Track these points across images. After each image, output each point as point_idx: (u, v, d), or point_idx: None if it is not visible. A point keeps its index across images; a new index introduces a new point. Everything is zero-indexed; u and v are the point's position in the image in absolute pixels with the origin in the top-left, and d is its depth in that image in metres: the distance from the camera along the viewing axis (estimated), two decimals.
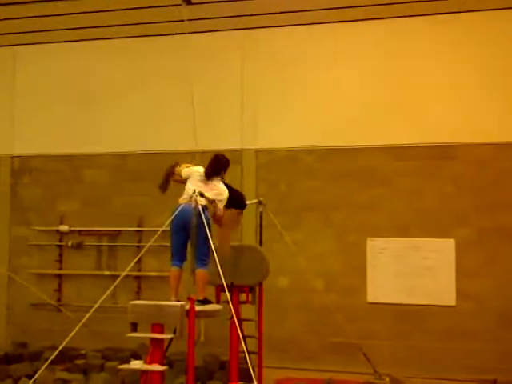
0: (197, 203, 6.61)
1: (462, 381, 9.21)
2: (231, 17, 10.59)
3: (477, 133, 9.93)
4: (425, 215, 10.08)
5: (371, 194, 10.29)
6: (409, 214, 10.14)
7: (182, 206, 6.80)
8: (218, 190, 7.05)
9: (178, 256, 7.07)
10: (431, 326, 9.88)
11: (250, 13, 10.48)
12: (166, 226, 6.86)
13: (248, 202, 8.41)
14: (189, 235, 6.84)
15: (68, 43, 11.75)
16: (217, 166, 7.24)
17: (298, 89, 10.70)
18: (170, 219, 6.82)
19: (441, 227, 10.01)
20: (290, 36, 10.82)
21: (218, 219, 7.12)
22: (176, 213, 6.77)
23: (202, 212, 6.60)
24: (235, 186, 7.79)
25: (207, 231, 6.60)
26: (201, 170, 7.25)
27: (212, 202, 7.00)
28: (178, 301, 6.78)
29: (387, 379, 8.85)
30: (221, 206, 7.06)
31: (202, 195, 6.76)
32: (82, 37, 11.54)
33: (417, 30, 10.29)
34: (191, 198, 6.69)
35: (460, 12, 10.02)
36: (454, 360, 9.67)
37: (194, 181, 7.12)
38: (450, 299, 9.88)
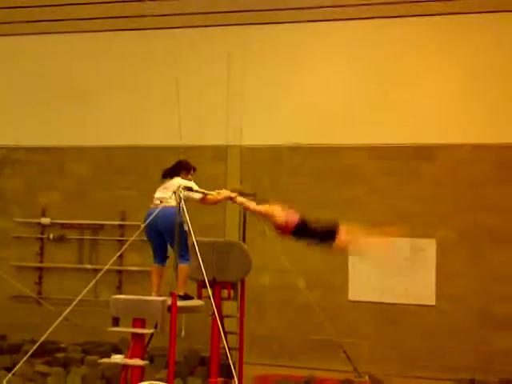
0: (180, 199, 6.62)
1: (441, 380, 9.28)
2: (218, 13, 10.59)
3: (457, 134, 10.02)
4: (406, 215, 10.12)
5: (353, 192, 10.34)
6: (390, 213, 10.19)
7: (152, 211, 6.81)
8: (170, 187, 6.97)
9: (159, 255, 7.12)
10: (411, 325, 9.96)
11: (236, 9, 10.48)
12: (143, 227, 6.89)
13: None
14: (162, 236, 6.91)
15: (53, 35, 11.66)
16: (175, 166, 7.22)
17: (283, 87, 10.73)
18: (144, 224, 6.84)
19: (422, 227, 10.07)
20: (276, 34, 10.84)
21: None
22: (150, 217, 6.77)
23: (184, 207, 6.62)
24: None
25: (186, 226, 6.65)
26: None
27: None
28: (160, 296, 6.80)
29: (367, 377, 8.89)
30: (195, 195, 7.06)
31: (190, 189, 6.79)
32: (68, 29, 11.47)
33: (400, 31, 10.34)
34: (174, 193, 6.70)
35: (444, 14, 10.10)
36: (433, 359, 9.76)
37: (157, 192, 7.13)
38: (429, 299, 9.97)
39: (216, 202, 7.36)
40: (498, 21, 9.99)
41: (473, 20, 10.05)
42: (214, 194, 7.23)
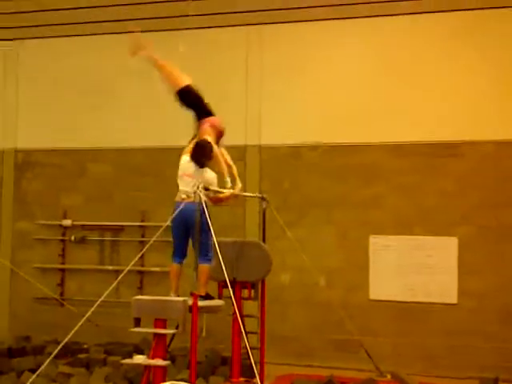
0: (200, 199, 6.62)
1: (464, 379, 9.21)
2: (236, 12, 10.59)
3: (479, 130, 9.92)
4: (427, 213, 10.08)
5: (374, 191, 10.29)
6: (411, 211, 10.14)
7: (181, 205, 6.83)
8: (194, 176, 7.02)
9: (179, 253, 7.14)
10: (433, 324, 9.89)
11: (255, 9, 10.49)
12: (168, 223, 6.91)
13: (250, 195, 8.60)
14: (189, 232, 6.91)
15: (72, 38, 11.74)
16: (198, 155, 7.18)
17: (302, 86, 10.70)
18: (171, 218, 6.86)
19: (443, 225, 10.00)
20: (294, 32, 10.81)
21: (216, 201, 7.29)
22: (176, 211, 6.79)
23: (205, 207, 6.62)
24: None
25: (209, 226, 6.63)
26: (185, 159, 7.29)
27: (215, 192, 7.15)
28: (178, 296, 6.82)
29: (389, 376, 8.86)
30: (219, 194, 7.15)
31: (206, 189, 6.79)
32: (87, 32, 11.54)
33: (419, 27, 10.28)
34: (194, 193, 6.70)
35: (464, 10, 10.01)
36: (456, 358, 9.68)
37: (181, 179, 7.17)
38: (451, 297, 9.89)
39: (221, 201, 7.38)
40: None
41: (498, 14, 9.92)
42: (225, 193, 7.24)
